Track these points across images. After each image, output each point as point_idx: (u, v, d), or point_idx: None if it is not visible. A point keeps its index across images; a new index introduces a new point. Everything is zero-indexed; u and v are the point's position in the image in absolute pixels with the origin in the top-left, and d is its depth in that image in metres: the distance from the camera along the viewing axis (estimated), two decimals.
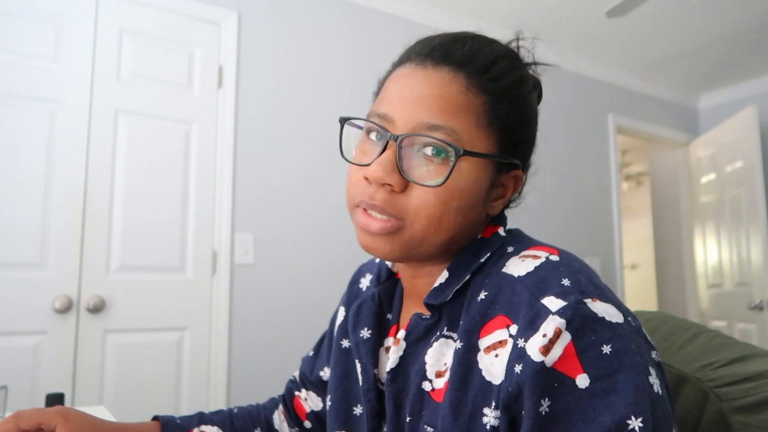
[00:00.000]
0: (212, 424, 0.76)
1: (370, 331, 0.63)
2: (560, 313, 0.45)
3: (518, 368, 0.45)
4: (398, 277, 0.67)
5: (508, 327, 0.49)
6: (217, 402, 2.11)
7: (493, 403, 0.48)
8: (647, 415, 0.42)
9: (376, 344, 0.63)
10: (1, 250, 1.81)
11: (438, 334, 0.55)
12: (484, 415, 0.48)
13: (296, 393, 0.81)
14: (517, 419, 0.46)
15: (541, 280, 0.49)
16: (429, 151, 0.52)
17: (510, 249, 0.56)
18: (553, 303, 0.46)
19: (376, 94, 0.61)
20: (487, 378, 0.49)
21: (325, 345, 0.77)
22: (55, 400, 0.93)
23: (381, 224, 0.52)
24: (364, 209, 0.54)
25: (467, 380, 0.50)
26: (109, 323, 1.96)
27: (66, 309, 1.87)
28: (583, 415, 0.43)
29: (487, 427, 0.48)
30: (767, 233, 3.19)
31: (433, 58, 0.54)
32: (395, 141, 0.52)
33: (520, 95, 0.56)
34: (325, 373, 0.75)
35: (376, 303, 0.65)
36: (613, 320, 0.46)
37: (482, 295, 0.52)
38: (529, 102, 0.58)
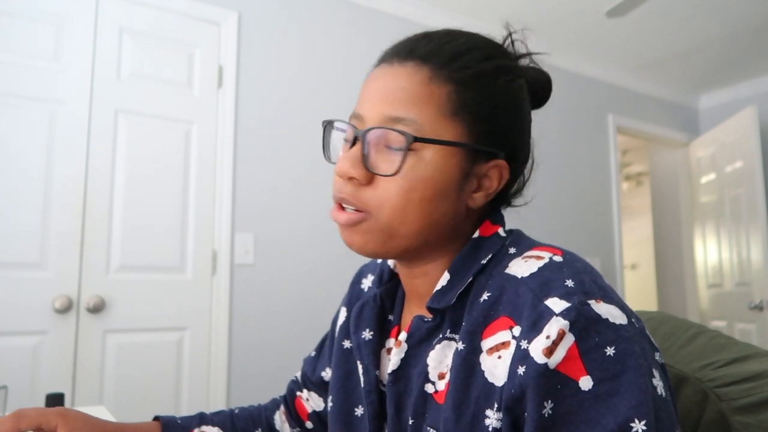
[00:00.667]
0: (213, 425, 0.75)
1: (371, 333, 0.63)
2: (564, 314, 0.45)
3: (521, 370, 0.45)
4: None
5: (511, 328, 0.48)
6: (217, 402, 2.11)
7: (496, 405, 0.47)
8: (650, 417, 0.42)
9: (378, 345, 0.63)
10: (1, 250, 1.81)
11: (440, 336, 0.55)
12: (486, 416, 0.48)
13: (298, 393, 0.81)
14: (519, 421, 0.46)
15: (545, 281, 0.48)
16: (390, 143, 0.53)
17: (512, 250, 0.55)
18: (556, 304, 0.46)
19: None
20: (490, 379, 0.48)
21: (327, 345, 0.77)
22: (55, 400, 0.92)
23: (347, 216, 0.54)
24: (339, 204, 0.56)
25: (470, 381, 0.50)
26: (109, 323, 1.96)
27: (66, 309, 1.87)
28: (586, 417, 0.43)
29: (489, 428, 0.47)
30: (767, 233, 3.19)
31: (399, 55, 0.56)
32: (360, 136, 0.54)
33: (493, 84, 0.55)
34: (327, 374, 0.75)
35: (377, 304, 0.65)
36: (617, 322, 0.46)
37: (485, 296, 0.52)
38: (507, 91, 0.56)
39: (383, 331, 0.64)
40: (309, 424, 0.79)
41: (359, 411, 0.64)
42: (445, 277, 0.56)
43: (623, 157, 5.61)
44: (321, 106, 2.45)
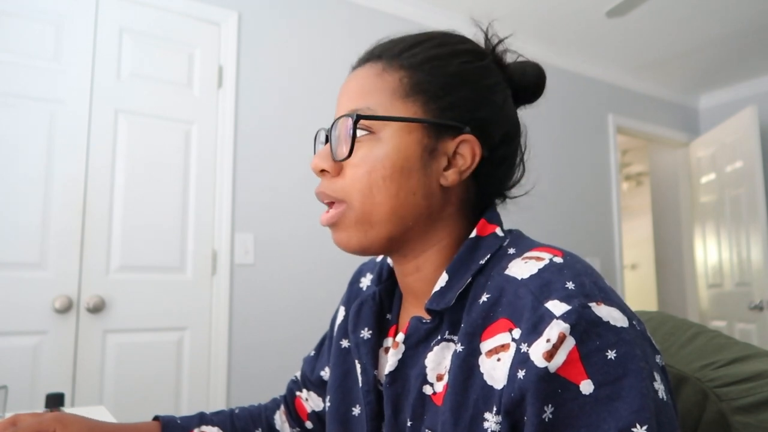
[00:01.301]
0: (213, 425, 0.75)
1: (370, 332, 0.63)
2: (564, 317, 0.44)
3: (521, 373, 0.45)
4: None
5: (510, 330, 0.48)
6: (217, 402, 2.11)
7: (495, 408, 0.47)
8: (652, 422, 0.42)
9: (376, 345, 0.62)
10: (1, 250, 1.81)
11: (439, 338, 0.54)
12: (485, 419, 0.47)
13: (297, 393, 0.81)
14: (519, 425, 0.45)
15: (545, 283, 0.48)
16: (348, 130, 0.55)
17: (512, 251, 0.55)
18: (557, 307, 0.45)
19: None
20: (489, 382, 0.48)
21: (326, 345, 0.77)
22: (55, 400, 0.92)
23: (327, 215, 0.57)
24: (327, 209, 0.59)
25: (468, 384, 0.49)
26: (109, 323, 1.96)
27: (66, 309, 1.87)
28: (587, 421, 0.42)
29: None
30: (767, 233, 3.19)
31: (360, 60, 0.61)
32: (328, 133, 0.59)
33: (447, 65, 0.57)
34: (326, 374, 0.75)
35: (376, 302, 0.64)
36: (618, 324, 0.45)
37: (484, 298, 0.51)
38: (464, 71, 0.57)
39: (382, 330, 0.64)
40: (309, 424, 0.79)
41: (356, 411, 0.63)
42: (444, 278, 0.55)
43: (623, 157, 5.61)
44: (321, 106, 2.45)
